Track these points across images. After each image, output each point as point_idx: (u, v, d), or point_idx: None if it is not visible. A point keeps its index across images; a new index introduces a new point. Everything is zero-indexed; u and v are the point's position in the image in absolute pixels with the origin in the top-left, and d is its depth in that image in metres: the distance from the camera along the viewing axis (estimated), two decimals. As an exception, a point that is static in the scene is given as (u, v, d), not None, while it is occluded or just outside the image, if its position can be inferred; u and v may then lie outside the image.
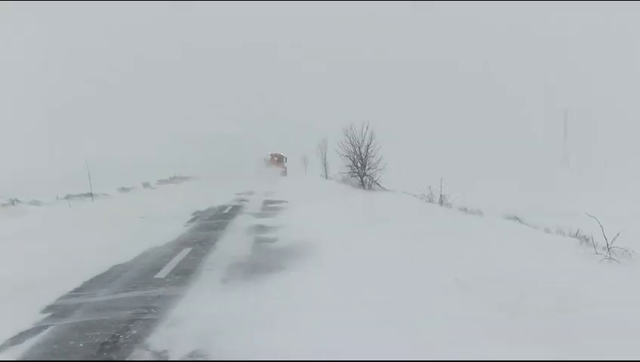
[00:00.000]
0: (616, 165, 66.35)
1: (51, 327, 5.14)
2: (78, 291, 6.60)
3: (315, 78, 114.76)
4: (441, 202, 19.27)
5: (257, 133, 68.21)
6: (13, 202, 15.02)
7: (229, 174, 37.88)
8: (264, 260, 8.39)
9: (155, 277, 7.32)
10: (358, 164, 30.29)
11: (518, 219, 13.87)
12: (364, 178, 30.33)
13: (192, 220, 14.39)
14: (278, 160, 60.11)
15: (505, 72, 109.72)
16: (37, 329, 5.10)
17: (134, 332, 4.93)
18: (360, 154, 30.03)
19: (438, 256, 7.52)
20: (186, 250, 9.36)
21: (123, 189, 23.41)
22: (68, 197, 17.67)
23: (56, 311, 5.73)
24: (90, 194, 18.92)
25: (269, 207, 18.61)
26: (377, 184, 29.82)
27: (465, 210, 16.30)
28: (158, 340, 4.69)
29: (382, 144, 30.12)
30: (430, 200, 20.07)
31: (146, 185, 27.95)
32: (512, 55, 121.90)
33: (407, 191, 24.64)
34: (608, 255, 8.24)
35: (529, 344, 4.17)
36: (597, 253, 8.37)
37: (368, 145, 29.86)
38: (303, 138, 60.33)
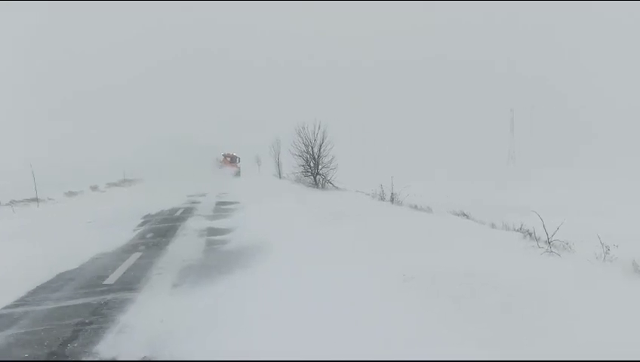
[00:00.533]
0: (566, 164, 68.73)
1: (-4, 338, 5.02)
2: (23, 300, 6.45)
3: (268, 79, 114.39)
4: (392, 200, 19.63)
5: (210, 134, 66.60)
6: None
7: (180, 176, 37.03)
8: (215, 263, 8.38)
9: (104, 283, 7.22)
10: (311, 164, 30.45)
11: (465, 215, 14.28)
12: (318, 177, 30.52)
13: (142, 224, 14.17)
14: (232, 160, 59.23)
15: (467, 69, 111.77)
16: (-20, 340, 4.97)
17: (82, 340, 4.87)
18: (313, 153, 30.20)
19: (387, 252, 7.68)
20: (136, 255, 9.25)
21: (70, 193, 22.84)
22: (12, 202, 17.11)
23: (1, 320, 5.59)
24: (36, 199, 18.36)
25: (222, 208, 18.50)
26: (330, 183, 30.03)
27: (415, 207, 16.63)
28: (106, 347, 4.65)
29: (334, 143, 30.41)
30: (382, 199, 20.39)
31: (94, 188, 27.33)
32: (476, 51, 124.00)
33: (360, 189, 24.92)
34: (549, 249, 8.62)
35: (468, 335, 4.35)
36: (539, 247, 8.73)
37: (321, 145, 30.06)
38: (257, 138, 60.10)
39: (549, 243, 8.90)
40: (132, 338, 4.90)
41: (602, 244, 7.99)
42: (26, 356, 4.52)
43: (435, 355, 3.88)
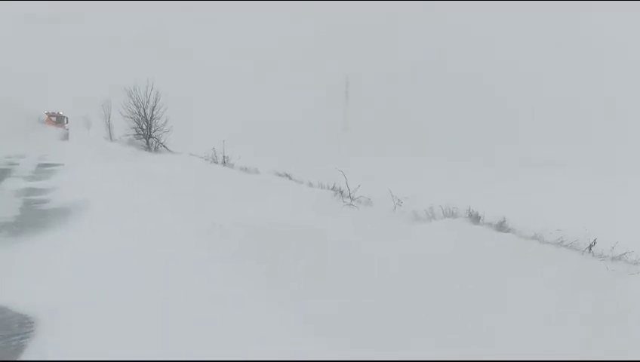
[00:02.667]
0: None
1: None
2: None
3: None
4: (224, 163, 20.38)
5: (19, 90, 57.26)
6: None
7: None
8: (33, 220, 8.51)
9: None
10: (144, 126, 29.91)
11: (288, 175, 15.54)
12: (150, 140, 30.10)
13: (-50, 185, 13.29)
14: (58, 120, 51.45)
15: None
16: None
17: None
18: (145, 115, 29.66)
19: (199, 207, 8.48)
20: (-58, 214, 8.95)
21: None
22: None
23: None
24: None
25: (44, 170, 17.76)
26: (164, 146, 29.83)
27: (245, 169, 17.59)
28: None
29: (168, 106, 30.13)
30: (215, 162, 21.04)
31: None
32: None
33: (195, 153, 25.20)
34: (350, 202, 10.07)
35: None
36: (343, 201, 10.13)
37: (154, 107, 29.62)
38: (84, 98, 55.63)
39: (351, 198, 10.40)
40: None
41: (395, 199, 9.67)
42: None
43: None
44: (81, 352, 3.57)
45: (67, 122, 52.49)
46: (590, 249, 5.66)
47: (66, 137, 47.25)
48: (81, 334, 3.91)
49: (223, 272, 5.27)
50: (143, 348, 3.55)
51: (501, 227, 6.77)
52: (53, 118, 51.20)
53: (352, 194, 10.50)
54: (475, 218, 7.16)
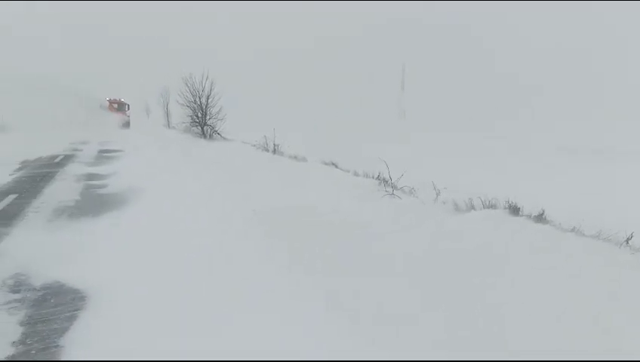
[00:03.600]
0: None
1: None
2: None
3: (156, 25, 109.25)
4: (274, 150, 20.78)
5: (85, 77, 56.03)
6: None
7: (58, 123, 34.95)
8: (91, 204, 9.07)
9: (-22, 220, 7.72)
10: (199, 114, 30.73)
11: (334, 164, 15.75)
12: (205, 128, 30.90)
13: (19, 169, 14.22)
14: (119, 107, 51.27)
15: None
16: None
17: (-41, 263, 5.55)
18: (200, 104, 30.46)
19: (246, 193, 8.81)
20: (11, 196, 9.65)
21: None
22: None
23: None
24: None
25: (104, 156, 18.68)
26: (218, 134, 30.57)
27: (295, 157, 17.90)
28: (-18, 267, 5.38)
29: (222, 95, 30.79)
30: (265, 149, 21.48)
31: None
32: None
33: (246, 140, 25.76)
34: (391, 191, 10.16)
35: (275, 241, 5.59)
36: (385, 191, 10.24)
37: (208, 96, 30.37)
38: (144, 85, 57.24)
39: (392, 187, 10.49)
40: (6, 261, 5.63)
41: (435, 189, 9.68)
42: None
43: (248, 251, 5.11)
44: (128, 328, 3.91)
45: (128, 109, 52.20)
46: (627, 242, 5.58)
47: (127, 124, 47.41)
48: (132, 309, 4.26)
49: (261, 253, 5.56)
50: (189, 316, 3.92)
51: (540, 219, 6.72)
52: (115, 105, 51.22)
53: (395, 183, 10.59)
54: (514, 209, 7.13)
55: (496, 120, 60.15)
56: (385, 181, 11.34)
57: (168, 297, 4.41)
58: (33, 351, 3.59)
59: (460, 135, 44.27)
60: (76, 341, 3.73)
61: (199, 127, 30.97)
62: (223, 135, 30.27)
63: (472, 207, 7.85)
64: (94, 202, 9.15)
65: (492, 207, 7.62)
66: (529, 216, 7.06)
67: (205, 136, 30.21)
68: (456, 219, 7.37)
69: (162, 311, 4.13)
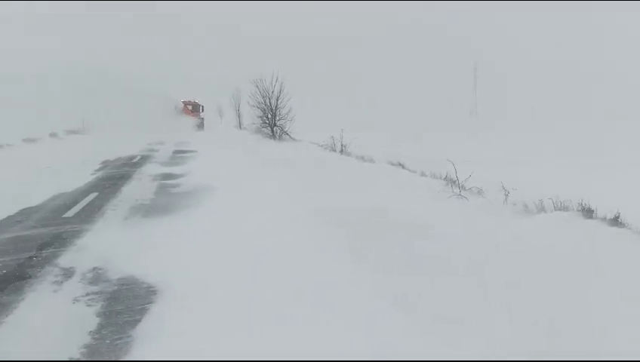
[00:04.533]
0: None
1: (-30, 256, 6.05)
2: (-9, 229, 7.44)
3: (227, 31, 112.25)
4: (341, 151, 20.89)
5: (163, 79, 57.61)
6: None
7: (137, 124, 36.27)
8: (165, 202, 9.49)
9: (63, 216, 8.26)
10: (269, 115, 31.34)
11: (401, 165, 15.65)
12: (275, 128, 31.46)
13: (100, 169, 15.06)
14: (193, 109, 50.79)
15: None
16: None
17: (46, 256, 5.97)
18: (270, 105, 31.06)
19: (312, 193, 8.95)
20: (93, 195, 10.25)
21: (28, 140, 23.22)
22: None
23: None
24: (-6, 145, 18.89)
25: (178, 156, 19.45)
26: (287, 134, 31.05)
27: (362, 158, 17.93)
28: (65, 261, 5.77)
29: (292, 96, 31.25)
30: (333, 150, 21.64)
31: (53, 135, 27.64)
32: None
33: (314, 141, 26.04)
34: (459, 192, 9.99)
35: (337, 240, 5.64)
36: (452, 192, 10.09)
37: (278, 97, 30.92)
38: (217, 88, 58.56)
39: (460, 188, 10.30)
40: (86, 255, 6.01)
41: (504, 190, 9.42)
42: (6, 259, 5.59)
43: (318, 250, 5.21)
44: (195, 324, 4.07)
45: (202, 111, 51.78)
46: None
47: (201, 126, 47.15)
48: (199, 306, 4.44)
49: (325, 252, 5.64)
50: (254, 316, 4.05)
51: (615, 222, 6.42)
52: (189, 107, 50.78)
53: (462, 184, 10.39)
54: (588, 211, 6.84)
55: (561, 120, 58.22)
56: (452, 182, 11.17)
57: (234, 296, 4.53)
58: (107, 341, 3.82)
59: (531, 135, 42.72)
60: (147, 332, 3.93)
61: (269, 128, 31.59)
62: (291, 135, 30.74)
63: (543, 209, 7.61)
64: (168, 201, 9.56)
65: (564, 209, 7.36)
66: (603, 219, 6.76)
67: (275, 137, 30.75)
68: (525, 221, 7.18)
69: (228, 310, 4.24)
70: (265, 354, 3.38)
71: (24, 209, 8.78)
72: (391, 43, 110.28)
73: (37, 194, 10.01)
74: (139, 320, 4.18)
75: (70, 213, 8.46)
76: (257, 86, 30.89)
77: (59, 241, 6.65)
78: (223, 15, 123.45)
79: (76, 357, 3.58)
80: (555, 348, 3.40)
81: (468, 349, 3.44)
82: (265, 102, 30.87)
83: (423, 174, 13.59)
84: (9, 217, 8.15)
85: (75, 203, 9.35)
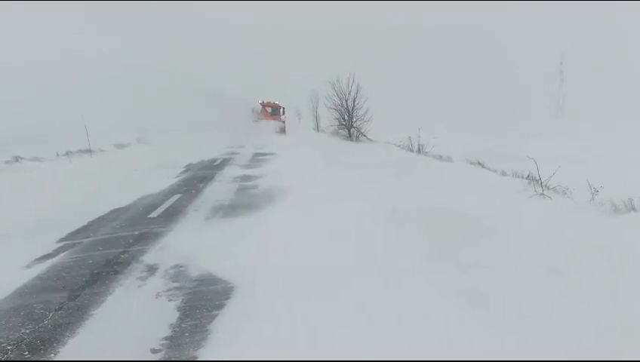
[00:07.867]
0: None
1: (65, 252, 6.51)
2: (85, 228, 7.94)
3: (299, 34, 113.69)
4: (418, 151, 20.63)
5: (239, 83, 53.50)
6: (17, 159, 16.18)
7: (218, 128, 36.64)
8: (243, 202, 9.77)
9: (149, 216, 8.69)
10: (345, 117, 31.50)
11: (480, 164, 15.21)
12: (352, 130, 31.56)
13: (184, 171, 15.70)
14: (273, 111, 45.56)
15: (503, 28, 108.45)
16: (55, 252, 6.48)
17: (131, 253, 6.32)
18: (347, 106, 31.21)
19: (388, 192, 8.92)
20: (176, 196, 10.71)
21: (119, 145, 24.59)
22: (68, 153, 18.86)
23: (67, 242, 7.09)
24: (89, 150, 20.12)
25: (257, 159, 19.93)
26: (364, 135, 31.06)
27: (440, 157, 17.61)
28: (149, 258, 6.08)
29: (368, 97, 31.23)
30: (410, 150, 21.41)
31: (140, 140, 29.07)
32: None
33: (391, 141, 25.88)
34: (541, 192, 9.59)
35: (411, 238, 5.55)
36: (534, 191, 9.70)
37: (355, 98, 31.02)
38: (295, 91, 58.92)
39: (542, 187, 9.88)
40: (169, 252, 6.31)
41: (591, 188, 8.95)
42: (90, 262, 5.97)
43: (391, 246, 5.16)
44: (268, 323, 4.18)
45: (283, 113, 46.68)
46: None
47: (282, 130, 42.15)
48: (274, 305, 4.54)
49: (401, 250, 5.61)
50: (331, 318, 4.11)
51: None
52: (268, 109, 45.83)
53: (546, 184, 9.97)
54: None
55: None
56: (535, 181, 10.73)
57: (308, 299, 4.58)
58: (187, 334, 3.99)
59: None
60: (222, 327, 4.08)
61: (346, 130, 31.73)
62: (368, 136, 30.72)
63: (633, 208, 7.16)
64: (246, 202, 9.82)
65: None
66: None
67: (352, 139, 30.86)
68: (613, 221, 6.79)
69: (300, 313, 4.29)
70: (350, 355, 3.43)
71: (114, 209, 9.32)
72: (458, 37, 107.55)
73: (126, 196, 10.59)
74: (216, 315, 4.34)
75: (155, 214, 8.89)
76: (334, 88, 31.15)
77: (144, 240, 7.01)
78: (289, 14, 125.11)
79: (157, 348, 3.77)
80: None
81: (547, 350, 3.32)
82: (342, 103, 31.07)
83: (503, 173, 13.16)
84: (100, 218, 8.68)
85: (160, 204, 9.81)
